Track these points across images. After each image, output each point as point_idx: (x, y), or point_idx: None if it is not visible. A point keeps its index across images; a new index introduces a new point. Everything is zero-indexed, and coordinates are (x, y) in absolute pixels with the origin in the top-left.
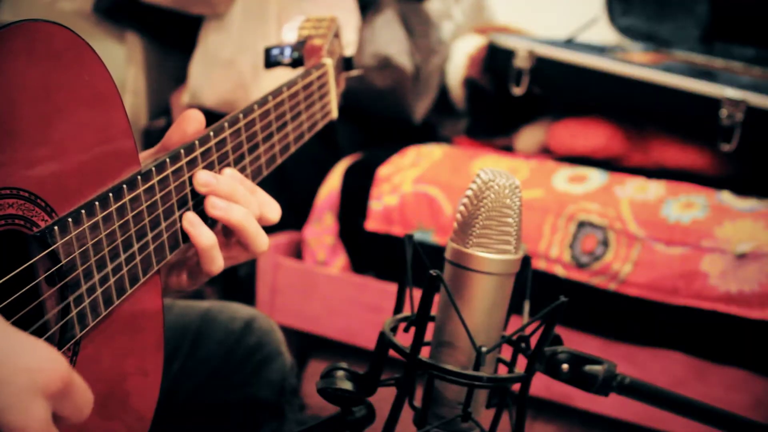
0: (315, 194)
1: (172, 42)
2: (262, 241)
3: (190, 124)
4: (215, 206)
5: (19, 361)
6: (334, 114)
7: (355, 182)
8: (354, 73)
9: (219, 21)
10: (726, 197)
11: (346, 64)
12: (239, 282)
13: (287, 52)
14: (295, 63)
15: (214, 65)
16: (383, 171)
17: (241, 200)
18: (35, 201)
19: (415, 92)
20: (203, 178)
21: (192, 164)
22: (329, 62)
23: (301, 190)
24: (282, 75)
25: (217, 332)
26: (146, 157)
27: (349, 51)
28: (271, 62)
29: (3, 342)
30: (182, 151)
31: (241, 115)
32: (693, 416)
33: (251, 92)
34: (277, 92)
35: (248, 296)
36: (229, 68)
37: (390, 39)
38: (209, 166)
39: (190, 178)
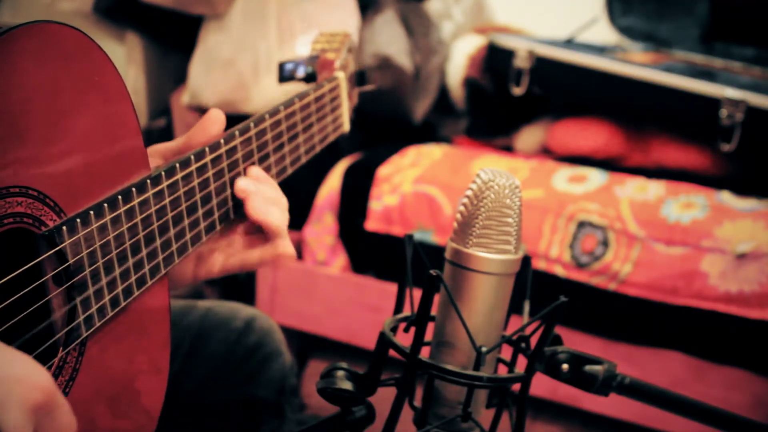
0: (315, 194)
1: (172, 42)
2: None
3: (213, 124)
4: (256, 210)
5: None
6: (346, 127)
7: (355, 182)
8: (367, 88)
9: (219, 21)
10: (726, 197)
11: (359, 78)
12: (239, 282)
13: (301, 67)
14: (309, 78)
15: (214, 65)
16: (383, 171)
17: (277, 203)
18: (44, 200)
19: (415, 92)
20: (242, 185)
21: (202, 170)
22: (342, 76)
23: (301, 190)
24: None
25: (217, 332)
26: (165, 151)
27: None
28: (284, 77)
29: None
30: (192, 157)
31: (252, 124)
32: (693, 416)
33: (251, 92)
34: (288, 103)
35: (248, 296)
36: (229, 68)
37: (390, 39)
38: (219, 174)
39: (200, 184)
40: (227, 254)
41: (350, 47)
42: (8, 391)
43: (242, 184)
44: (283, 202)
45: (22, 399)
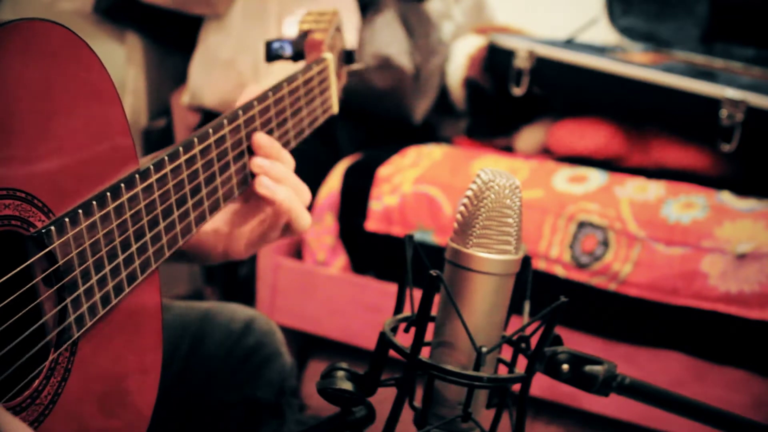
0: (315, 194)
1: (172, 42)
2: (304, 220)
3: None
4: (262, 185)
5: None
6: (335, 109)
7: (355, 182)
8: (356, 66)
9: (219, 21)
10: (726, 197)
11: (347, 57)
12: (239, 282)
13: (288, 46)
14: (296, 57)
15: (214, 65)
16: (383, 171)
17: (288, 182)
18: (32, 201)
19: (415, 92)
20: (257, 162)
21: (191, 162)
22: (330, 57)
23: None
24: (283, 73)
25: (216, 333)
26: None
27: (350, 47)
28: (272, 56)
29: None
30: (181, 148)
31: (240, 112)
32: (693, 416)
33: None
34: (277, 88)
35: (248, 296)
36: (229, 68)
37: (390, 39)
38: (208, 164)
39: (189, 176)
40: (251, 230)
41: (338, 26)
42: None
43: (258, 161)
44: (292, 181)
45: None
